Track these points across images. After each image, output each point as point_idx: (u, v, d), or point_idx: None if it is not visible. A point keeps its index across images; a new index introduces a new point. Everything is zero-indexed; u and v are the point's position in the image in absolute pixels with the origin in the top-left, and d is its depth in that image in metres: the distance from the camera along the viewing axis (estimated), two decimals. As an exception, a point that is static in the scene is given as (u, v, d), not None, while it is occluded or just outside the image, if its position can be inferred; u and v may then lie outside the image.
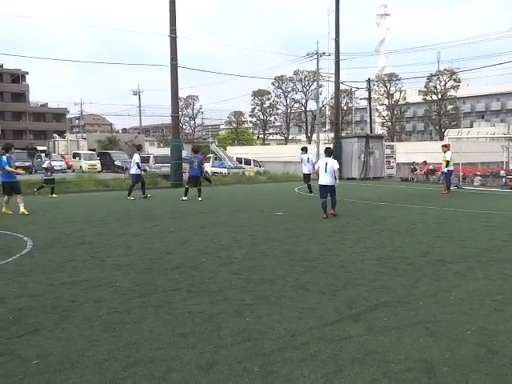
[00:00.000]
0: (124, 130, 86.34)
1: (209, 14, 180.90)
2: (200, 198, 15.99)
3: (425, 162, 27.30)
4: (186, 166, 24.26)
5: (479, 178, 24.43)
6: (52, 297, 5.54)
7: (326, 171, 11.95)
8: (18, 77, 72.26)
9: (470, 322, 4.68)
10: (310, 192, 18.07)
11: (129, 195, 16.94)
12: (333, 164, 11.98)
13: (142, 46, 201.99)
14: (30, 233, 9.78)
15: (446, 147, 19.23)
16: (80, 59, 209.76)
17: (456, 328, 4.52)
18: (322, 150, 36.15)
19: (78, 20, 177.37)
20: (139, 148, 19.36)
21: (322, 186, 12.09)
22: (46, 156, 19.92)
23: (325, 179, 12.02)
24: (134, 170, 17.58)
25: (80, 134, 65.61)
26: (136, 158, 17.58)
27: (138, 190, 17.55)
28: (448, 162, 18.75)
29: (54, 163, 37.22)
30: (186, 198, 16.00)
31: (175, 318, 4.82)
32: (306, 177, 18.79)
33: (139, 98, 70.60)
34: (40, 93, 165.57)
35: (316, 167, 12.88)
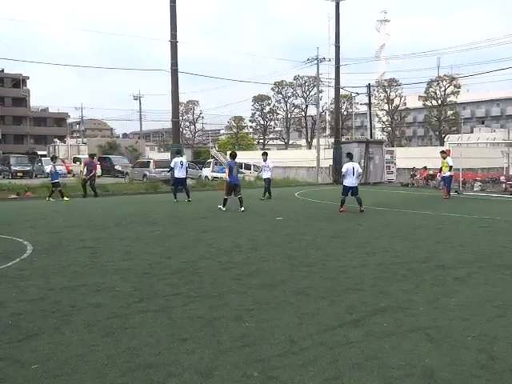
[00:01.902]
0: (124, 135, 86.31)
1: (210, 19, 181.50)
2: (243, 208, 14.11)
3: (425, 167, 27.32)
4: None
5: (479, 183, 24.44)
6: (51, 301, 5.53)
7: (354, 174, 13.91)
8: (18, 82, 72.40)
9: (470, 327, 4.67)
10: (270, 196, 18.55)
11: (189, 197, 17.73)
12: (358, 167, 14.27)
13: (143, 50, 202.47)
14: (30, 237, 9.77)
15: (444, 153, 19.29)
16: (81, 64, 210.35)
17: (456, 334, 4.51)
18: (322, 156, 36.21)
19: (78, 25, 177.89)
20: (179, 152, 19.74)
21: (353, 188, 14.01)
22: (52, 160, 19.37)
23: (354, 181, 14.01)
24: (184, 174, 17.97)
25: (80, 139, 65.66)
26: (185, 161, 18.15)
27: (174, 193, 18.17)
28: (451, 167, 18.83)
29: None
30: (224, 209, 14.37)
31: (175, 323, 4.81)
32: (268, 181, 18.82)
33: (140, 103, 70.72)
34: (41, 98, 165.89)
35: (344, 170, 14.16)
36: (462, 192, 21.77)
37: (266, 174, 18.95)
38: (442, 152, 19.52)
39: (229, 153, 15.91)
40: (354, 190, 14.05)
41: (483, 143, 42.66)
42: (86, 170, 20.37)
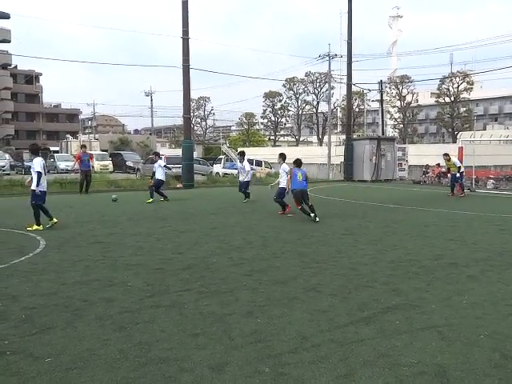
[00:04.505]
0: (136, 131, 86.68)
1: (222, 15, 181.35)
2: (317, 218, 11.56)
3: (438, 164, 27.10)
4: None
5: (492, 181, 24.23)
6: (64, 296, 5.58)
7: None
8: (31, 78, 72.95)
9: (483, 326, 4.64)
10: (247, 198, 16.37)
11: (166, 197, 16.49)
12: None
13: (155, 47, 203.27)
14: (43, 232, 9.86)
15: (447, 156, 19.06)
16: (93, 60, 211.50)
17: (469, 332, 4.47)
18: (333, 152, 36.09)
19: (91, 22, 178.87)
20: (158, 154, 18.88)
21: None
22: None
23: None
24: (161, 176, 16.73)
25: (92, 135, 66.09)
26: (161, 162, 17.01)
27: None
28: (460, 168, 18.68)
29: (66, 163, 37.81)
30: (317, 219, 11.58)
31: (186, 319, 4.82)
32: (244, 185, 16.49)
33: (151, 99, 71.04)
34: (53, 94, 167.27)
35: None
36: (474, 190, 21.59)
37: (242, 177, 16.57)
38: (445, 155, 19.26)
39: (293, 160, 12.65)
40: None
41: (496, 140, 42.25)
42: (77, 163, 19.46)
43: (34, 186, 10.28)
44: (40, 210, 10.44)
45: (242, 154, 16.96)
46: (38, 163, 10.25)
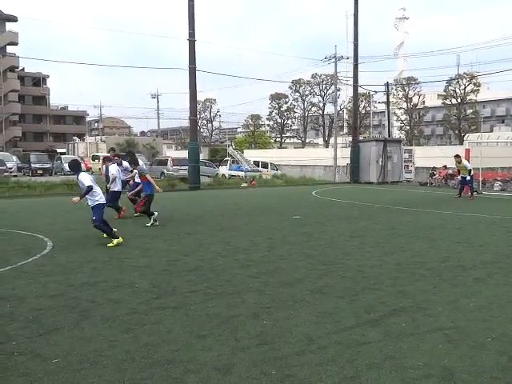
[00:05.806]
0: (142, 133, 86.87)
1: (228, 17, 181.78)
2: (156, 223, 11.26)
3: (445, 166, 27.00)
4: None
5: (499, 183, 24.09)
6: (71, 297, 5.61)
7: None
8: (38, 80, 73.34)
9: (490, 328, 4.62)
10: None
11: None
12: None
13: (161, 49, 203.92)
14: (50, 234, 9.91)
15: (459, 157, 19.01)
16: (99, 63, 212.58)
17: (476, 335, 4.45)
18: (339, 154, 36.07)
19: (98, 24, 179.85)
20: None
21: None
22: None
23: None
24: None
25: (99, 137, 66.28)
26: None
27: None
28: (470, 171, 18.62)
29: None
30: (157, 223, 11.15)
31: (193, 320, 4.84)
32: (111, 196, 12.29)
33: (157, 101, 71.28)
34: (60, 96, 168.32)
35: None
36: (481, 192, 21.48)
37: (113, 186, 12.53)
38: (456, 156, 19.19)
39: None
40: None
41: (503, 142, 42.00)
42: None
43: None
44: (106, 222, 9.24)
45: (107, 159, 13.19)
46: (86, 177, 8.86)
